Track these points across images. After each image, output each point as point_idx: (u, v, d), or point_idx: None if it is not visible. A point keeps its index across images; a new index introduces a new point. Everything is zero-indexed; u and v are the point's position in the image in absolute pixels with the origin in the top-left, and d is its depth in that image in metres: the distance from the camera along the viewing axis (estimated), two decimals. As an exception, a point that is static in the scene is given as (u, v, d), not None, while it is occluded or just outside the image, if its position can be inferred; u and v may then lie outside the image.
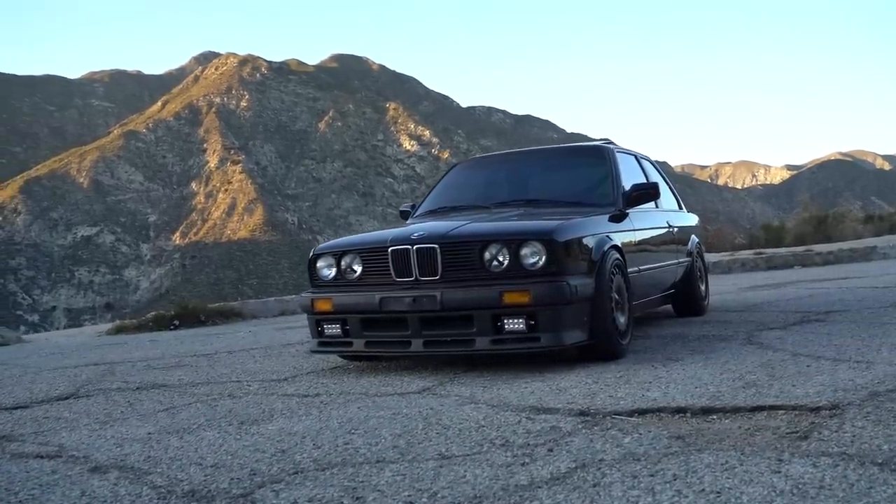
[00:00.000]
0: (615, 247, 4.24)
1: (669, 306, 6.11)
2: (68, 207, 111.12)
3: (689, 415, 2.75)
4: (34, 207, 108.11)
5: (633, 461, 2.22)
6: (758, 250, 14.64)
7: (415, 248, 3.94)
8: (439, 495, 2.03)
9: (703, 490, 1.93)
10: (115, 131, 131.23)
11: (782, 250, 14.19)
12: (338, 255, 4.24)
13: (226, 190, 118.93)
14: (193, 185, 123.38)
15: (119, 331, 8.65)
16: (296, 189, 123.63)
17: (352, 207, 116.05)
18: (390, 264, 4.00)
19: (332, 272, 4.25)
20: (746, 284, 9.32)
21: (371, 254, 4.12)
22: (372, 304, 3.99)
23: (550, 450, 2.39)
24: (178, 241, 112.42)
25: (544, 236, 3.81)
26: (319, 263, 4.32)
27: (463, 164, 5.90)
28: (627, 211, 4.75)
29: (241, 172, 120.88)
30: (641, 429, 2.58)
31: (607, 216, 4.52)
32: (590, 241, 4.05)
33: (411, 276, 3.96)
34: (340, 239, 4.50)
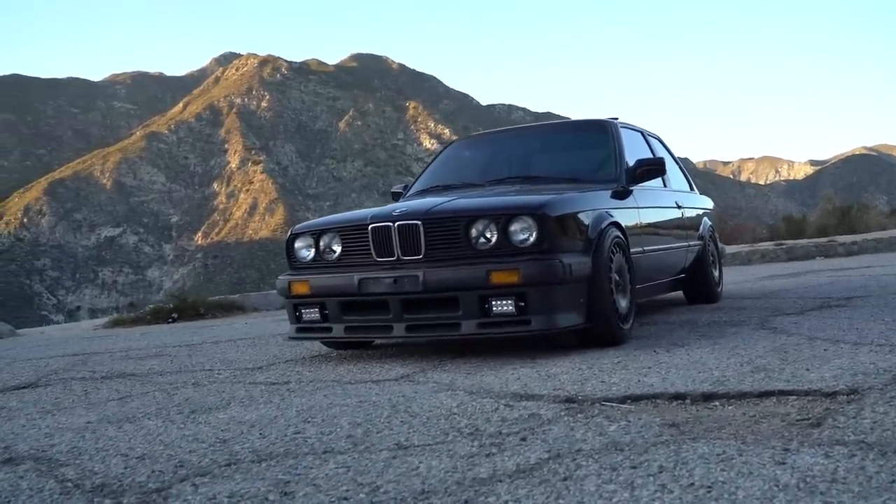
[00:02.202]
0: (615, 224, 3.91)
1: (681, 293, 5.79)
2: (92, 208, 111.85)
3: (688, 401, 2.44)
4: (58, 209, 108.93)
5: (615, 451, 1.91)
6: (778, 241, 14.21)
7: (396, 225, 3.64)
8: (381, 490, 1.73)
9: (692, 484, 1.63)
10: (138, 133, 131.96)
11: (804, 241, 13.76)
12: (316, 234, 3.95)
13: (247, 190, 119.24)
14: (215, 185, 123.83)
15: (116, 324, 8.42)
16: (316, 188, 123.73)
17: (372, 206, 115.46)
18: (371, 243, 3.71)
19: (311, 253, 3.97)
20: (765, 274, 8.95)
21: (351, 232, 3.83)
22: (351, 285, 3.70)
23: (523, 439, 2.09)
24: (200, 242, 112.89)
25: (535, 211, 3.49)
26: (297, 244, 4.03)
27: (459, 143, 5.60)
28: (631, 188, 4.43)
29: (262, 172, 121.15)
30: (631, 416, 2.27)
31: (608, 192, 4.20)
32: (586, 217, 3.73)
33: (393, 256, 3.66)
34: (320, 218, 4.21)
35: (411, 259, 3.61)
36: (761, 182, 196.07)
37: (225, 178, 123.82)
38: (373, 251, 3.70)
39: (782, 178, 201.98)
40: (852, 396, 2.29)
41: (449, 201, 3.83)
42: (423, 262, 3.58)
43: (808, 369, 2.74)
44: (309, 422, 2.46)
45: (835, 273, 8.03)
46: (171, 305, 8.53)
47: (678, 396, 2.49)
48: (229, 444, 2.22)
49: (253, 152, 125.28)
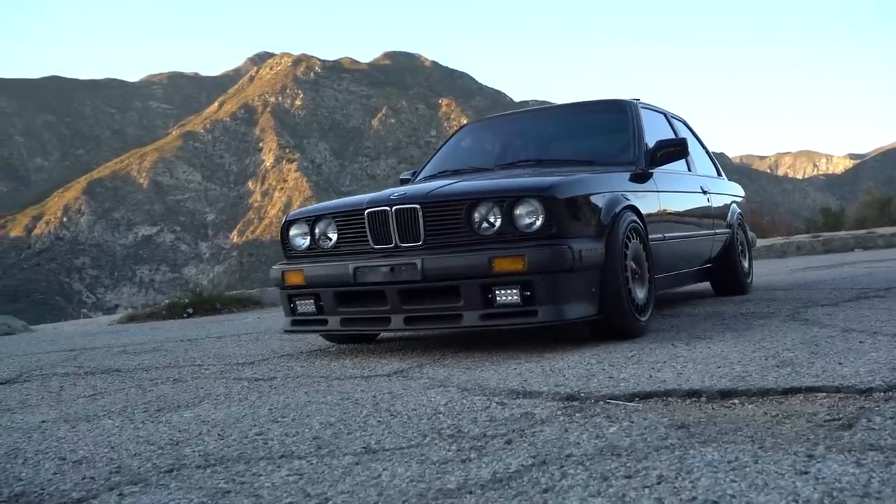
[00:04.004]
0: (631, 208, 3.62)
1: (708, 285, 5.48)
2: (129, 207, 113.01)
3: (703, 399, 2.16)
4: (97, 208, 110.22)
5: (610, 457, 1.65)
6: (815, 234, 13.75)
7: (394, 209, 3.39)
8: (330, 503, 1.48)
9: (695, 499, 1.36)
10: (174, 132, 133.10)
11: (842, 233, 13.30)
12: (311, 221, 3.72)
13: (281, 188, 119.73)
14: (250, 183, 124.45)
15: (130, 320, 8.27)
16: (350, 186, 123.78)
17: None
18: (367, 229, 3.46)
19: (307, 241, 3.74)
20: (800, 266, 8.58)
21: (347, 218, 3.58)
22: (346, 275, 3.45)
23: (509, 442, 1.83)
24: (235, 240, 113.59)
25: (542, 193, 3.22)
26: (292, 231, 3.80)
27: (470, 126, 5.32)
28: (651, 171, 4.13)
29: (296, 171, 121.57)
30: (636, 416, 2.00)
31: (626, 175, 3.92)
32: (599, 200, 3.44)
33: (391, 243, 3.41)
34: (317, 204, 3.98)
35: (410, 246, 3.36)
36: (799, 176, 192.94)
37: (260, 177, 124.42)
38: (370, 238, 3.46)
39: (821, 173, 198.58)
40: (890, 394, 2.01)
41: (450, 184, 3.57)
42: (423, 250, 3.33)
43: (840, 363, 2.45)
44: (277, 421, 2.22)
45: (874, 264, 7.66)
46: (187, 300, 8.36)
47: (692, 394, 2.21)
48: (181, 447, 1.98)
49: (287, 151, 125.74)
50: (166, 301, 8.81)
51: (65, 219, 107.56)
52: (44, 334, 7.45)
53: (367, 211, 3.46)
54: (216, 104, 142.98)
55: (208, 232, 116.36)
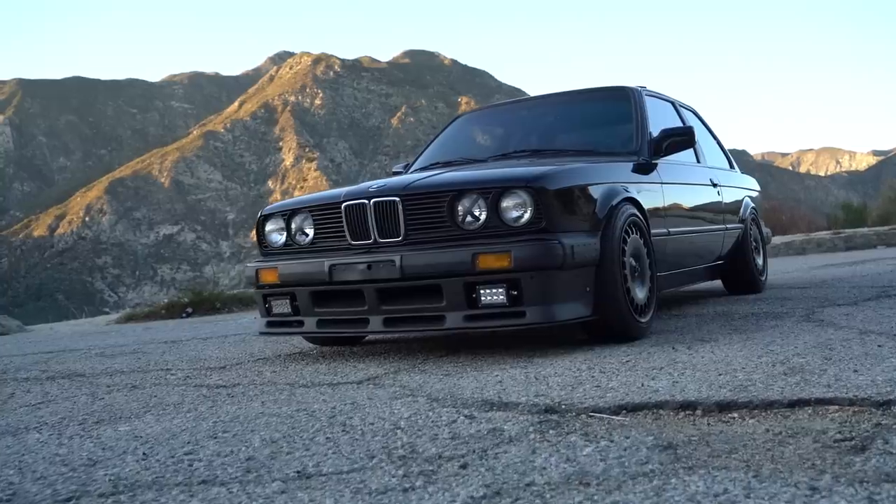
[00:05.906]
0: (630, 200, 3.34)
1: (720, 283, 5.19)
2: (151, 207, 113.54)
3: (698, 412, 1.90)
4: (119, 207, 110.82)
5: (577, 487, 1.39)
6: (836, 230, 13.37)
7: (372, 202, 3.14)
8: (230, 546, 1.24)
9: (667, 546, 1.10)
10: (195, 132, 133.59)
11: (864, 229, 12.92)
12: (287, 215, 3.48)
13: (301, 187, 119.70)
14: (270, 183, 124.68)
15: (129, 319, 8.08)
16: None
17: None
18: (345, 224, 3.22)
19: (283, 237, 3.50)
20: (819, 264, 8.25)
21: (323, 212, 3.33)
22: (321, 273, 3.20)
23: (464, 466, 1.57)
24: (255, 238, 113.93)
25: (530, 183, 2.96)
26: (268, 227, 3.57)
27: (467, 116, 5.05)
28: (655, 161, 3.86)
29: (315, 170, 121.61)
30: (617, 433, 1.74)
31: (627, 165, 3.65)
32: (594, 191, 3.17)
33: (369, 239, 3.16)
34: (294, 198, 3.74)
35: (389, 242, 3.11)
36: (821, 174, 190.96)
37: (279, 176, 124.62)
38: (347, 233, 3.22)
39: (843, 170, 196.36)
40: (912, 408, 1.74)
41: (432, 175, 3.32)
42: (402, 245, 3.08)
43: (856, 371, 2.18)
44: (216, 437, 1.97)
45: (898, 261, 7.33)
46: (186, 300, 8.16)
47: (687, 406, 1.96)
48: (95, 469, 1.74)
49: (307, 150, 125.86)
50: (165, 300, 8.61)
51: (87, 218, 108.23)
52: (36, 334, 7.28)
53: (344, 204, 3.22)
54: (236, 104, 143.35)
55: (229, 231, 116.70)
